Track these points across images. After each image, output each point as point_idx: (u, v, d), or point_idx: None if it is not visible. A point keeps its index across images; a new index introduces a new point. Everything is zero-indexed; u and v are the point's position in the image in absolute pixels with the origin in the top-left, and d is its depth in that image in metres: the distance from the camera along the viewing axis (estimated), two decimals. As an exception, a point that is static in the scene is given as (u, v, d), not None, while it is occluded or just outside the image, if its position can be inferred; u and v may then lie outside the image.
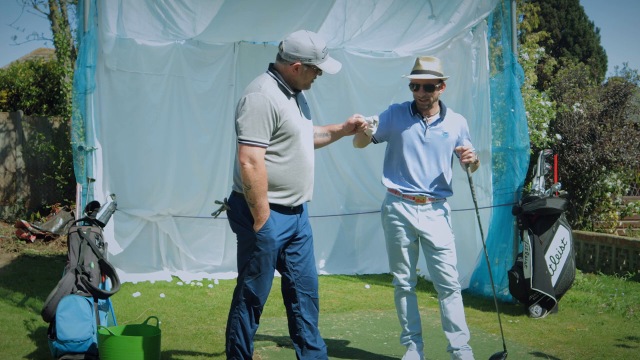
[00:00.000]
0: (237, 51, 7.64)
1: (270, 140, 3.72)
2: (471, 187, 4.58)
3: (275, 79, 3.79)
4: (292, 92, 3.82)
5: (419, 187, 4.44)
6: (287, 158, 3.77)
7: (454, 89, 7.42)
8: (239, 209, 3.81)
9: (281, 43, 3.80)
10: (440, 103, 4.55)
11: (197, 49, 7.51)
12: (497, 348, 4.98)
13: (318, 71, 3.82)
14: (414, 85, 4.45)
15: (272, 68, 3.85)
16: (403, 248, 4.48)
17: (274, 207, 3.77)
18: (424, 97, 4.42)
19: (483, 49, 6.94)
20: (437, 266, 4.46)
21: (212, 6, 6.63)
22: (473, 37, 7.24)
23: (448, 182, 4.52)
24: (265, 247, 3.76)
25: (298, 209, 3.91)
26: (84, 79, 5.81)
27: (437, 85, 4.42)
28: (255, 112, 3.65)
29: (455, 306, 4.47)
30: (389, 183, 4.51)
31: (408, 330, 4.58)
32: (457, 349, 4.46)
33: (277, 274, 4.00)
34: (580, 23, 19.76)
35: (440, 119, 4.49)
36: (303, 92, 4.00)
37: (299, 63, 3.75)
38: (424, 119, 4.48)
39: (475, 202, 4.64)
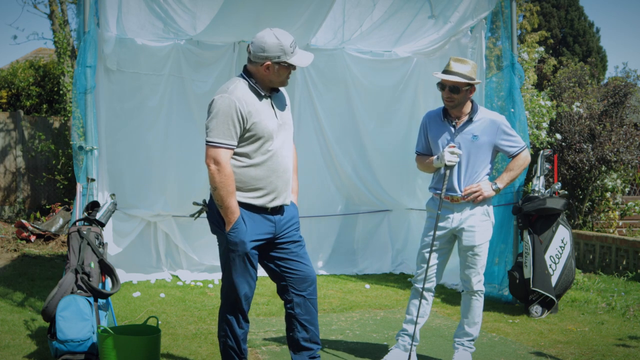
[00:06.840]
0: (237, 51, 7.63)
1: (240, 142, 3.70)
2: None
3: (246, 80, 3.76)
4: (264, 93, 3.77)
5: (455, 192, 4.48)
6: (259, 160, 3.74)
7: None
8: (214, 211, 3.80)
9: (249, 45, 3.77)
10: (472, 103, 4.51)
11: (197, 49, 7.50)
12: (497, 348, 4.99)
13: (291, 66, 3.76)
14: (440, 85, 4.45)
15: (244, 70, 3.82)
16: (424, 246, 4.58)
17: (247, 206, 3.75)
18: (448, 98, 4.43)
19: (480, 49, 6.93)
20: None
21: (212, 6, 6.63)
22: (470, 37, 7.24)
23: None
24: (236, 247, 3.73)
25: (277, 211, 3.86)
26: (83, 78, 5.80)
27: (465, 89, 4.39)
28: (220, 113, 3.66)
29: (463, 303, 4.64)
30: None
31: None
32: (456, 341, 4.62)
33: (265, 273, 4.00)
34: (580, 23, 19.75)
35: (469, 122, 4.47)
36: (285, 93, 3.95)
37: (269, 62, 3.70)
38: (454, 123, 4.49)
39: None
